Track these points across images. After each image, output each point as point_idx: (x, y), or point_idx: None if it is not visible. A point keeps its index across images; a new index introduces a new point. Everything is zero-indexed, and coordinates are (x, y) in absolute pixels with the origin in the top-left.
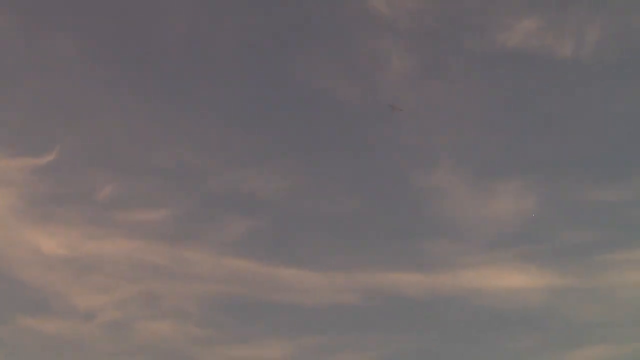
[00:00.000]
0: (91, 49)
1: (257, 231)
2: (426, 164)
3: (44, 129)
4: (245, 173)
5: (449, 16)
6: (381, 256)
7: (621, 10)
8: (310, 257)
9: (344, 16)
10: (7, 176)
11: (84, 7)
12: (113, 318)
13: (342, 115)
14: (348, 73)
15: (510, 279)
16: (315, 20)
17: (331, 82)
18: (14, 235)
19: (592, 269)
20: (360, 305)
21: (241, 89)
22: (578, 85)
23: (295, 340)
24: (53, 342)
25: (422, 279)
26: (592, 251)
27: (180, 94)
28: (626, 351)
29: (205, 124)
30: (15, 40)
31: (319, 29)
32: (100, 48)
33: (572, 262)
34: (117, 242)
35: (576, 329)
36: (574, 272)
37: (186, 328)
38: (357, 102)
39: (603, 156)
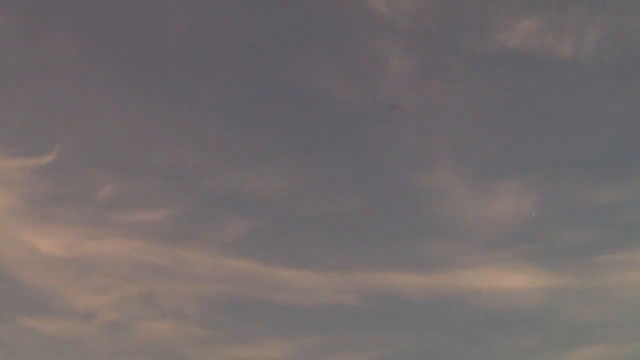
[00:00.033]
0: (91, 49)
1: (257, 231)
2: (426, 164)
3: (44, 129)
4: (245, 173)
5: (448, 16)
6: (381, 256)
7: (621, 10)
8: (310, 257)
9: (344, 16)
10: (6, 176)
11: (84, 7)
12: (113, 318)
13: (342, 115)
14: (348, 73)
15: (510, 279)
16: (315, 20)
17: (331, 82)
18: (13, 236)
19: (593, 269)
20: (360, 305)
21: (241, 89)
22: (578, 85)
23: (295, 341)
24: (52, 342)
25: (422, 279)
26: (592, 251)
27: (180, 94)
28: (626, 351)
29: (205, 124)
30: (15, 40)
31: (319, 29)
32: (100, 48)
33: (572, 262)
34: (117, 242)
35: (576, 329)
36: (574, 273)
37: (186, 328)
38: (357, 102)
39: (603, 156)
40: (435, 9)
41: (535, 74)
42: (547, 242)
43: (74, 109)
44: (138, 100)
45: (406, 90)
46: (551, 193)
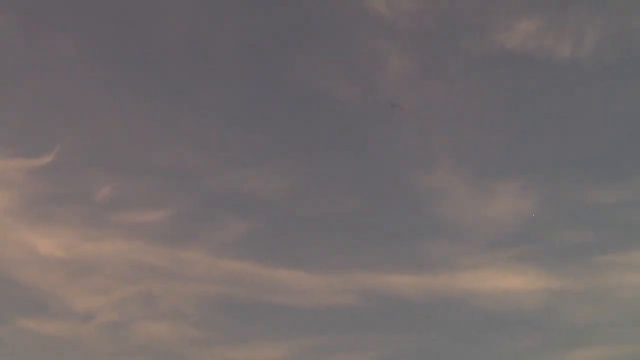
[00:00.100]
0: (91, 49)
1: (257, 231)
2: (426, 164)
3: (43, 129)
4: (245, 173)
5: (448, 16)
6: (381, 257)
7: (621, 10)
8: (309, 258)
9: (343, 16)
10: (5, 177)
11: (84, 7)
12: (111, 319)
13: (342, 115)
14: (348, 73)
15: (510, 280)
16: (315, 20)
17: (331, 82)
18: (12, 236)
19: (592, 269)
20: (360, 306)
21: (241, 89)
22: (578, 86)
23: (294, 341)
24: (51, 342)
25: (422, 280)
26: (592, 252)
27: (180, 94)
28: (626, 352)
29: (205, 124)
30: (15, 40)
31: (318, 29)
32: (100, 48)
33: (572, 262)
34: (116, 242)
35: (576, 330)
36: (574, 273)
37: (185, 329)
38: (357, 102)
39: (603, 156)
40: (435, 9)
41: (535, 74)
42: (547, 243)
43: (74, 109)
44: (138, 100)
45: (406, 90)
46: (551, 193)
